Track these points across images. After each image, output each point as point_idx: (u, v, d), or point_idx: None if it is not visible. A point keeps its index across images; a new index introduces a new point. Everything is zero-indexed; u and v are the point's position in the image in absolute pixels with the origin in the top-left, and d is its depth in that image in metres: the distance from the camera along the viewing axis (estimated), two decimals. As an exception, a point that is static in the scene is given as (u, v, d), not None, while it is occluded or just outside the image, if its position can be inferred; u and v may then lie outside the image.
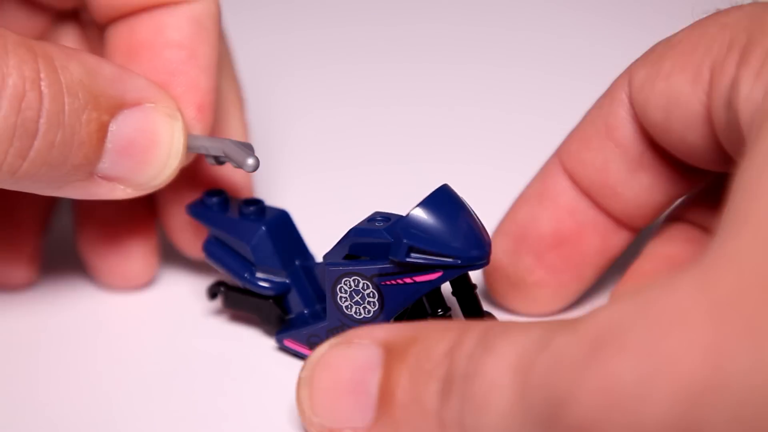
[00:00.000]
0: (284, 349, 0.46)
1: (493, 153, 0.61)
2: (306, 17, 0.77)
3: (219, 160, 0.45)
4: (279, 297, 0.46)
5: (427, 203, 0.41)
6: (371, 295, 0.43)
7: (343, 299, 0.43)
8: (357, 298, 0.43)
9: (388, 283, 0.42)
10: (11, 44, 0.40)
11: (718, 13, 0.42)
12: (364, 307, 0.43)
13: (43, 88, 0.40)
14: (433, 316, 0.43)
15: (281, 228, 0.46)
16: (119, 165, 0.42)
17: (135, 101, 0.43)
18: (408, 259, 0.41)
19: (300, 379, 0.41)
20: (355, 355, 0.40)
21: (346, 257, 0.43)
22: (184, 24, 0.45)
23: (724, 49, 0.40)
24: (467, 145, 0.61)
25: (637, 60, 0.44)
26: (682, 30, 0.43)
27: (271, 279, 0.46)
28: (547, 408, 0.33)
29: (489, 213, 0.51)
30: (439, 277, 0.41)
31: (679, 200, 0.47)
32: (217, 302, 0.47)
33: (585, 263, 0.47)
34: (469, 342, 0.37)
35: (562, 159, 0.47)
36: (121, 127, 0.42)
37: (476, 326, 0.37)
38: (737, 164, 0.35)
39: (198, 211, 0.47)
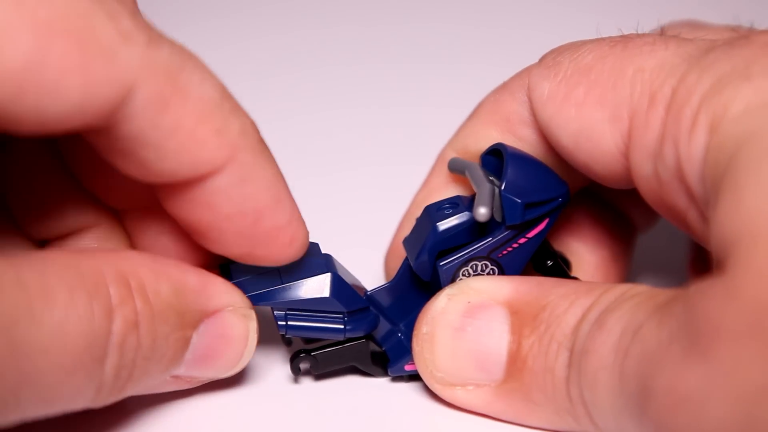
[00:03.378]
0: (406, 376, 0.44)
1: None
2: (306, 17, 0.77)
3: None
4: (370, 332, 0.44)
5: (511, 162, 0.42)
6: (491, 272, 0.43)
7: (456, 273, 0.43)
8: None
9: (504, 252, 0.42)
10: (110, 277, 0.38)
11: (635, 46, 0.42)
12: None
13: (140, 329, 0.39)
14: (544, 268, 0.43)
15: (329, 262, 0.44)
16: (194, 370, 0.42)
17: (217, 309, 0.42)
18: (526, 217, 0.41)
19: (420, 335, 0.41)
20: (480, 315, 0.40)
21: (439, 256, 0.43)
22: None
23: (645, 102, 0.40)
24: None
25: (538, 66, 0.44)
26: (592, 50, 0.43)
27: (360, 318, 0.44)
28: (636, 396, 0.35)
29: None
30: (546, 225, 0.42)
31: None
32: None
33: None
34: (591, 315, 0.38)
35: (456, 150, 0.46)
36: (202, 338, 0.41)
37: (599, 298, 0.39)
38: (713, 204, 0.36)
39: (255, 296, 0.43)
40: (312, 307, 0.42)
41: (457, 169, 0.44)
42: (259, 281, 0.43)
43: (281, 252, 0.42)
